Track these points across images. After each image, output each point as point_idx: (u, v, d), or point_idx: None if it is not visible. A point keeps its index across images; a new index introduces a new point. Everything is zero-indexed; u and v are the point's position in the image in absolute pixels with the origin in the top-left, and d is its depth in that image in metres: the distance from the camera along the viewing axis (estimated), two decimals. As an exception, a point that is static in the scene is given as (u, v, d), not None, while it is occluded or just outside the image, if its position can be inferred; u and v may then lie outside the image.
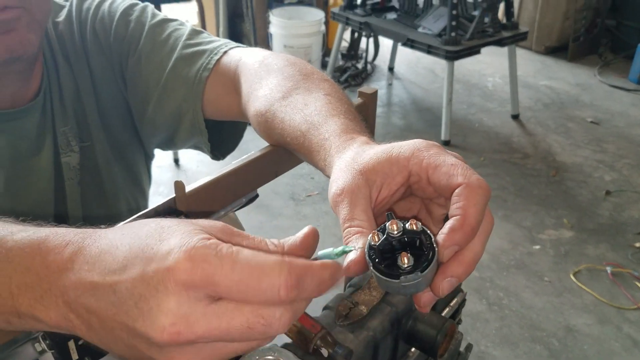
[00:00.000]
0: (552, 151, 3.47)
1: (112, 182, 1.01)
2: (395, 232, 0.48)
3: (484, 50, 3.48)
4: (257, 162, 0.82)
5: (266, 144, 0.83)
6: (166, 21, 0.97)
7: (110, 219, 1.01)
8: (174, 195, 0.73)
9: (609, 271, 2.52)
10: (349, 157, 0.57)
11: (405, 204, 0.59)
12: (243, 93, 0.84)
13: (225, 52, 0.91)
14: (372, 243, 0.48)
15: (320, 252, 0.48)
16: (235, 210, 0.85)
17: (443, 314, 0.91)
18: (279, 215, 2.89)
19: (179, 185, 0.72)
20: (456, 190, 0.49)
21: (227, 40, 0.95)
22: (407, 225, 0.49)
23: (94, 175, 0.98)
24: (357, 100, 0.99)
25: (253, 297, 0.39)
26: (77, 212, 0.96)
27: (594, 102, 4.09)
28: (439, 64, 4.48)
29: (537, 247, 2.70)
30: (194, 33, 0.95)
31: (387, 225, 0.48)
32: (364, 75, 4.39)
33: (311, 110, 0.70)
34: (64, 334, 0.60)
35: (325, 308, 0.78)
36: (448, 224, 0.48)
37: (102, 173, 0.99)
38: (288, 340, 0.71)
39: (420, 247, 0.48)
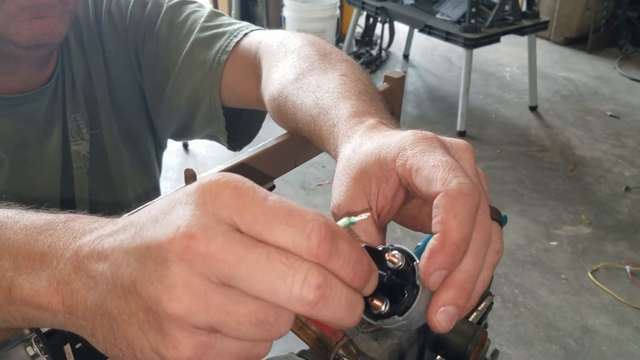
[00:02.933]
0: (570, 145, 3.38)
1: (121, 172, 0.96)
2: None
3: (501, 39, 3.39)
4: (274, 150, 0.75)
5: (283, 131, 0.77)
6: (184, 3, 0.92)
7: (117, 209, 0.97)
8: (184, 184, 0.66)
9: (628, 270, 2.45)
10: (346, 155, 0.50)
11: (418, 201, 0.51)
12: (262, 77, 0.79)
13: (245, 35, 0.86)
14: None
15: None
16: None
17: (470, 319, 0.85)
18: (289, 204, 2.82)
19: (189, 174, 0.65)
20: (435, 201, 0.41)
21: (248, 23, 0.90)
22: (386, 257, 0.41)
23: (102, 164, 0.94)
24: (382, 85, 0.92)
25: (278, 232, 0.32)
26: (84, 203, 0.92)
27: (614, 95, 3.99)
28: (455, 52, 4.38)
29: (554, 243, 2.62)
30: (213, 15, 0.90)
31: None
32: (378, 62, 4.31)
33: (322, 93, 0.63)
34: (58, 337, 0.55)
35: None
36: (429, 245, 0.40)
37: (110, 162, 0.95)
38: (305, 347, 0.65)
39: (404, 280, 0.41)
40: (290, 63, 0.73)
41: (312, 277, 0.32)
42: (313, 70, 0.70)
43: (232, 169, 0.70)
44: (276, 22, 4.37)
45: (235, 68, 0.85)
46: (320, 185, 2.98)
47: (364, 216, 0.42)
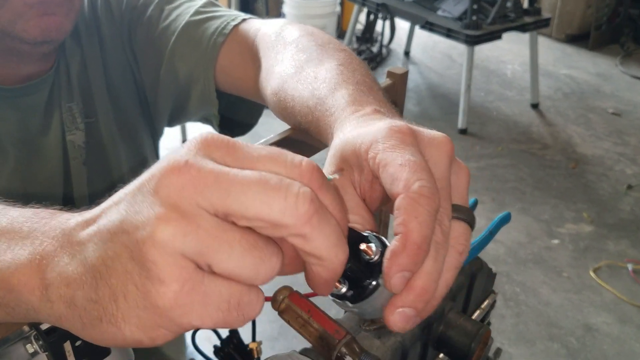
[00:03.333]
0: (572, 142, 3.37)
1: (118, 162, 0.95)
2: None
3: (503, 36, 3.37)
4: (277, 146, 0.74)
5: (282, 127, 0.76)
6: None
7: None
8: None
9: (630, 268, 2.44)
10: (335, 145, 0.49)
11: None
12: (262, 70, 0.77)
13: (244, 20, 0.85)
14: None
15: None
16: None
17: (474, 317, 0.84)
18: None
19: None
20: (396, 202, 0.40)
21: (245, 13, 0.88)
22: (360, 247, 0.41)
23: (99, 154, 0.92)
24: (385, 81, 0.91)
25: (270, 165, 0.33)
26: (83, 194, 0.91)
27: (615, 92, 3.98)
28: (455, 49, 4.37)
29: (556, 241, 2.61)
30: (209, 4, 0.89)
31: None
32: (378, 59, 4.29)
33: (319, 83, 0.62)
34: (58, 335, 0.54)
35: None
36: (391, 246, 0.39)
37: (108, 152, 0.93)
38: (308, 345, 0.64)
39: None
40: (289, 55, 0.72)
41: (307, 192, 0.32)
42: (311, 61, 0.68)
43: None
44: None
45: (232, 52, 0.84)
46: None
47: (336, 176, 0.43)
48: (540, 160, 3.20)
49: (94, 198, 0.90)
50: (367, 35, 4.39)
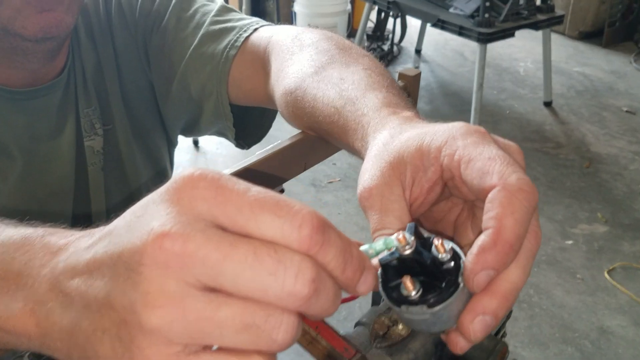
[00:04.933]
0: (585, 141, 3.32)
1: (134, 169, 0.94)
2: (407, 249, 0.37)
3: (515, 33, 3.32)
4: (285, 153, 0.72)
5: (289, 133, 0.73)
6: None
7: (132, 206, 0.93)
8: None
9: (645, 270, 2.40)
10: (383, 141, 0.47)
11: (446, 205, 0.48)
12: (272, 72, 0.76)
13: (255, 30, 0.83)
14: (399, 246, 0.37)
15: None
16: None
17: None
18: (300, 201, 2.78)
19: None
20: (489, 194, 0.38)
21: (258, 19, 0.87)
22: (433, 242, 0.38)
23: (116, 160, 0.92)
24: (397, 82, 0.88)
25: (266, 224, 0.30)
26: (100, 200, 0.90)
27: (630, 90, 3.92)
28: (468, 47, 4.33)
29: (570, 242, 2.57)
30: (223, 10, 0.88)
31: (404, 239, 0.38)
32: (389, 58, 4.26)
33: (348, 85, 0.60)
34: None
35: (358, 324, 0.68)
36: (478, 241, 0.37)
37: (124, 159, 0.92)
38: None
39: (444, 272, 0.38)
40: (308, 56, 0.70)
41: (307, 270, 0.30)
42: (333, 63, 0.67)
43: (239, 174, 0.67)
44: (287, 17, 4.33)
45: (244, 64, 0.82)
46: (330, 182, 2.95)
47: (403, 234, 0.38)
48: (553, 159, 3.16)
49: (111, 204, 0.91)
50: (378, 33, 4.36)
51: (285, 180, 0.75)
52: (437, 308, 0.37)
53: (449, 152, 0.41)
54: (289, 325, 0.30)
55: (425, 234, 0.41)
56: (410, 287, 0.37)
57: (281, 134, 1.13)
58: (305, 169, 0.77)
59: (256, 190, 0.31)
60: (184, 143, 3.22)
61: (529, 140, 3.32)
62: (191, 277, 0.29)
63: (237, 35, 0.82)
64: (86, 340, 0.32)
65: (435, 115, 3.57)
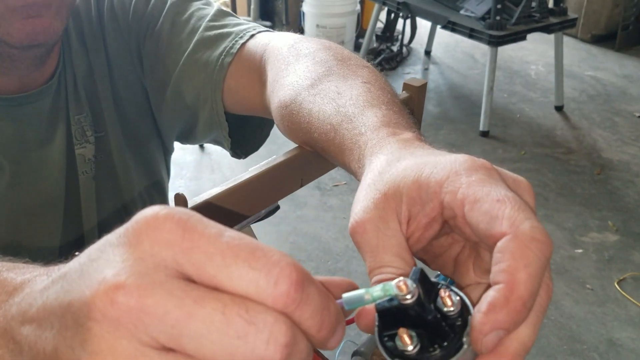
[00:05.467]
0: (597, 147, 3.27)
1: (128, 178, 0.91)
2: (408, 299, 0.33)
3: (527, 36, 3.27)
4: (281, 168, 0.68)
5: (287, 143, 0.70)
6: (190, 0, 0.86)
7: (123, 218, 0.91)
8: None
9: (656, 280, 2.35)
10: (379, 168, 0.43)
11: (446, 240, 0.44)
12: (268, 82, 0.72)
13: (252, 36, 0.79)
14: (399, 294, 0.33)
15: (346, 295, 0.33)
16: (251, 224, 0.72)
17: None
18: (304, 205, 2.75)
19: (179, 199, 0.58)
20: (499, 243, 0.34)
21: (256, 24, 0.84)
22: (439, 293, 0.34)
23: (108, 169, 0.89)
24: (402, 93, 0.84)
25: (239, 277, 0.26)
26: (92, 210, 0.87)
27: (643, 95, 3.86)
28: (478, 49, 4.27)
29: (580, 250, 2.52)
30: (220, 14, 0.84)
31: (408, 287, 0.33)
32: (399, 59, 4.21)
33: (345, 100, 0.57)
34: None
35: (355, 354, 0.64)
36: (487, 297, 0.33)
37: (116, 167, 0.89)
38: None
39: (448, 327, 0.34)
40: (304, 67, 0.67)
41: (280, 334, 0.26)
42: (331, 75, 0.63)
43: (232, 191, 0.63)
44: (295, 17, 4.29)
45: (240, 72, 0.79)
46: (336, 185, 2.91)
47: (404, 281, 0.34)
48: (564, 165, 3.10)
49: (103, 214, 0.88)
50: (388, 34, 4.31)
51: (281, 197, 0.71)
52: None
53: (451, 188, 0.37)
54: (279, 340, 0.26)
55: (434, 279, 0.37)
56: (407, 342, 0.33)
57: (280, 141, 1.09)
58: (301, 186, 0.73)
59: (230, 235, 0.27)
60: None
61: (539, 145, 3.26)
62: (146, 335, 0.25)
63: (233, 42, 0.79)
64: None
65: (445, 118, 3.53)
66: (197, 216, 0.28)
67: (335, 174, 2.97)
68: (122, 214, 0.91)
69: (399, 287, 0.33)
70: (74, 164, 0.85)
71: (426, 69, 4.23)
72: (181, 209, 0.28)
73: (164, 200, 1.01)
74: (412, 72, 4.13)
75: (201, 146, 3.12)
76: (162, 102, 0.87)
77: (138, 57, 0.87)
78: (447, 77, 4.14)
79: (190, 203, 0.58)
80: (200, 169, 3.03)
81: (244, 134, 0.88)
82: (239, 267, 0.26)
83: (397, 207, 0.40)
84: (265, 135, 0.92)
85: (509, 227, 0.34)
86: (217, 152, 3.16)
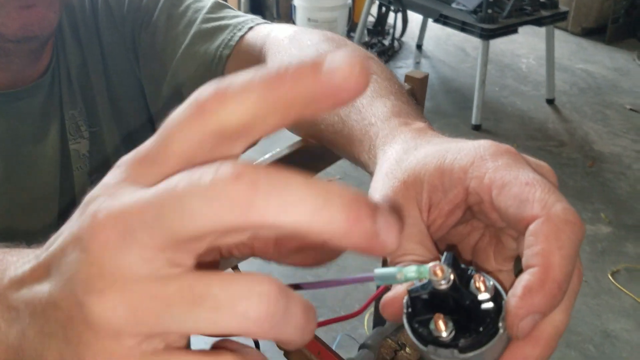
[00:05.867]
0: (588, 139, 3.28)
1: None
2: (443, 284, 0.32)
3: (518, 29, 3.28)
4: (286, 161, 0.67)
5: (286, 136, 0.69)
6: None
7: None
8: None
9: (649, 272, 2.36)
10: (395, 157, 0.43)
11: (465, 229, 0.43)
12: None
13: (250, 28, 0.78)
14: (434, 279, 0.32)
15: (378, 270, 0.32)
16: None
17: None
18: (299, 199, 2.74)
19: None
20: (531, 227, 0.34)
21: (254, 16, 0.83)
22: (473, 278, 0.34)
23: (103, 165, 0.87)
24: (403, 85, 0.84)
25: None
26: None
27: (634, 88, 3.87)
28: (469, 42, 4.28)
29: (573, 243, 2.53)
30: (217, 7, 0.83)
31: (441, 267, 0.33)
32: (390, 53, 4.21)
33: None
34: None
35: (362, 347, 0.63)
36: (522, 281, 0.33)
37: (111, 162, 0.86)
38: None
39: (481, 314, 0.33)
40: None
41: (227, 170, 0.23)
42: None
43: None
44: (286, 11, 4.28)
45: (239, 65, 0.78)
46: (329, 180, 2.91)
47: (440, 267, 0.33)
48: (556, 158, 3.12)
49: None
50: (379, 28, 4.31)
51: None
52: (470, 354, 0.33)
53: (477, 174, 0.37)
54: (261, 292, 0.23)
55: (462, 265, 0.36)
56: (441, 328, 0.33)
57: (277, 137, 1.08)
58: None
59: None
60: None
61: (531, 139, 3.28)
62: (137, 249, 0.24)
63: (231, 34, 0.78)
64: (34, 351, 0.28)
65: (437, 112, 3.53)
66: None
67: (329, 169, 2.96)
68: None
69: (434, 272, 0.32)
70: (69, 160, 0.84)
71: (418, 63, 4.23)
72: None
73: None
74: (404, 66, 4.13)
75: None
76: (159, 96, 0.86)
77: (133, 51, 0.86)
78: (439, 70, 4.14)
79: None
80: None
81: None
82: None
83: (417, 195, 0.40)
84: None
85: (540, 210, 0.34)
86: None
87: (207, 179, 0.22)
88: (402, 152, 0.43)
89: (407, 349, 0.62)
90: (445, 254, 0.35)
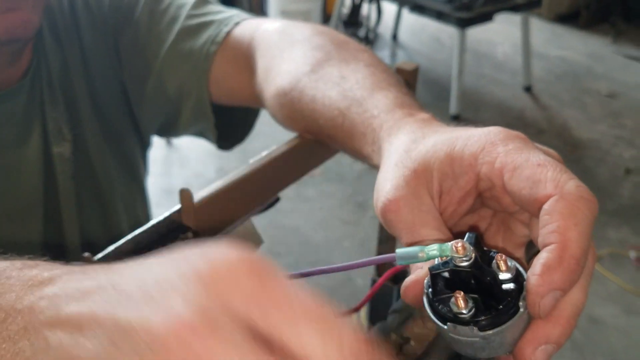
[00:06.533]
0: (567, 126, 3.30)
1: (107, 176, 0.88)
2: (465, 261, 0.33)
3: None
4: (284, 158, 0.64)
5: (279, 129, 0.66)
6: None
7: (105, 218, 0.85)
8: (178, 206, 0.55)
9: (632, 256, 2.37)
10: (403, 147, 0.44)
11: (472, 218, 0.44)
12: (259, 70, 0.70)
13: (237, 23, 0.77)
14: (456, 256, 0.33)
15: (400, 250, 0.35)
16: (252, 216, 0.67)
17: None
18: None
19: (185, 195, 0.54)
20: (546, 205, 0.35)
21: (239, 12, 0.82)
22: (495, 258, 0.35)
23: (87, 167, 0.85)
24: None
25: (308, 337, 0.24)
26: (72, 212, 0.83)
27: (609, 73, 3.90)
28: (444, 32, 4.27)
29: (556, 230, 2.54)
30: (200, 2, 0.82)
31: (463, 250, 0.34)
32: (365, 44, 4.17)
33: (351, 84, 0.56)
34: None
35: (392, 312, 0.61)
36: (541, 259, 0.33)
37: (95, 165, 0.86)
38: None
39: (502, 293, 0.34)
40: (301, 53, 0.65)
41: None
42: (331, 60, 0.62)
43: (235, 185, 0.59)
44: (258, 3, 4.23)
45: (226, 61, 0.76)
46: (311, 177, 2.87)
47: (462, 243, 0.34)
48: (535, 145, 3.12)
49: (83, 214, 0.83)
50: (353, 19, 4.28)
51: (281, 189, 0.67)
52: (490, 332, 0.33)
53: (487, 159, 0.38)
54: None
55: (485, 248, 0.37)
56: (462, 305, 0.33)
57: (269, 129, 1.04)
58: (303, 175, 0.70)
59: (300, 292, 0.25)
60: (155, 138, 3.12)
61: (510, 127, 3.16)
62: None
63: (217, 30, 0.77)
64: None
65: (415, 103, 3.51)
66: (271, 266, 0.26)
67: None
68: (103, 217, 0.87)
69: (456, 249, 0.33)
70: (52, 164, 0.81)
71: (394, 54, 4.21)
72: (256, 257, 0.26)
73: (143, 197, 0.97)
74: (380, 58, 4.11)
75: (168, 141, 3.04)
76: (142, 95, 0.84)
77: (115, 50, 0.84)
78: (415, 61, 4.11)
79: (196, 198, 0.54)
80: (169, 164, 2.95)
81: (229, 126, 0.86)
82: (309, 329, 0.24)
83: (428, 183, 0.40)
84: (251, 125, 0.89)
85: (554, 189, 0.35)
86: (185, 147, 3.08)
87: None
88: (410, 142, 0.43)
89: (412, 343, 0.59)
90: (467, 234, 0.35)
